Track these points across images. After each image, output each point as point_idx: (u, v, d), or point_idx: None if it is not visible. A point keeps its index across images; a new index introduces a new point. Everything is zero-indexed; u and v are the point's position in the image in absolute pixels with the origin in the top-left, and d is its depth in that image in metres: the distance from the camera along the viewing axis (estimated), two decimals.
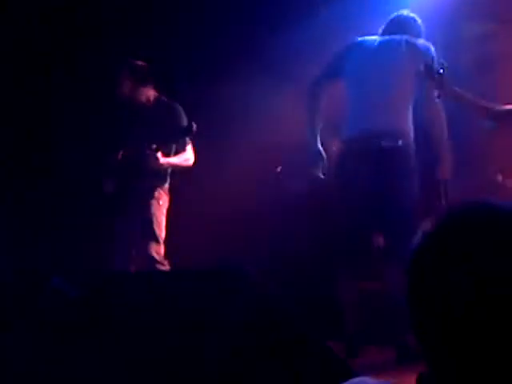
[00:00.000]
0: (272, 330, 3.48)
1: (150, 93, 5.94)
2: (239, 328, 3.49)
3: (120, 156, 5.81)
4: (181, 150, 5.82)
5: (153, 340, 3.77)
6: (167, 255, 5.80)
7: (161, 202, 5.82)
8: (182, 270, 4.43)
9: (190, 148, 5.86)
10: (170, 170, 5.87)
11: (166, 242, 5.81)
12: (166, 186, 5.88)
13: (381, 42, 5.19)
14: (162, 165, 5.67)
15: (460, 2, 5.89)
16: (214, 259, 5.63)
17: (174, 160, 5.79)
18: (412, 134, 4.99)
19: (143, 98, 5.91)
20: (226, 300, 3.66)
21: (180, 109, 5.79)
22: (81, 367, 3.72)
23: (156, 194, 5.79)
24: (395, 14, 5.32)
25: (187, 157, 5.86)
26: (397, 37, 5.13)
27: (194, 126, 5.38)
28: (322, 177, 5.22)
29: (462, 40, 6.01)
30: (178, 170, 5.91)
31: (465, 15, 5.97)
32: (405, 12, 5.32)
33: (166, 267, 5.69)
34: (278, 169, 6.59)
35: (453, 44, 5.74)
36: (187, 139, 5.72)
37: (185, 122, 5.66)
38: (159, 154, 5.57)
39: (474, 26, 6.06)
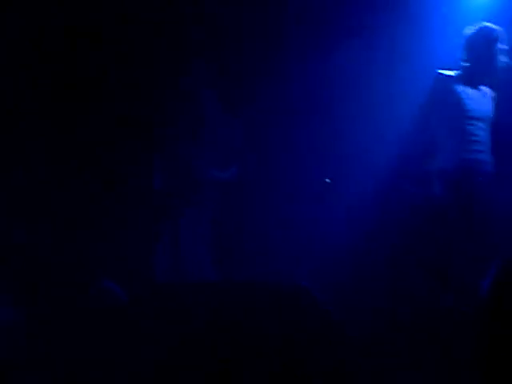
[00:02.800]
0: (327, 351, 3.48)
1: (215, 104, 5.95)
2: (296, 345, 3.49)
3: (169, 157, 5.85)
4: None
5: (202, 354, 3.76)
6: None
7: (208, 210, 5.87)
8: (240, 282, 4.47)
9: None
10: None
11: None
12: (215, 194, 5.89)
13: None
14: (214, 179, 5.79)
15: None
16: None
17: (224, 176, 5.88)
18: None
19: (207, 109, 5.94)
20: (284, 316, 3.65)
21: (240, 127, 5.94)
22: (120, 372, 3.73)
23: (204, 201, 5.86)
24: None
25: (233, 173, 5.95)
26: None
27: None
28: None
29: None
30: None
31: None
32: None
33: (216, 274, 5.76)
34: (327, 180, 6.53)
35: None
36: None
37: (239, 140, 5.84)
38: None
39: None
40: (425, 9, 6.19)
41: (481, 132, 5.38)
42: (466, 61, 5.45)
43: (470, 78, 5.43)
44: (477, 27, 5.43)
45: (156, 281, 5.68)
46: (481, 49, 5.38)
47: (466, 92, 5.41)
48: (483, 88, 5.49)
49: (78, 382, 3.88)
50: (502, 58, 5.33)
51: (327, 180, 6.53)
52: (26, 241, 5.83)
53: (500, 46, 5.34)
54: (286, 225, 6.39)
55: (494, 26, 5.38)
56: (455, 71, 5.45)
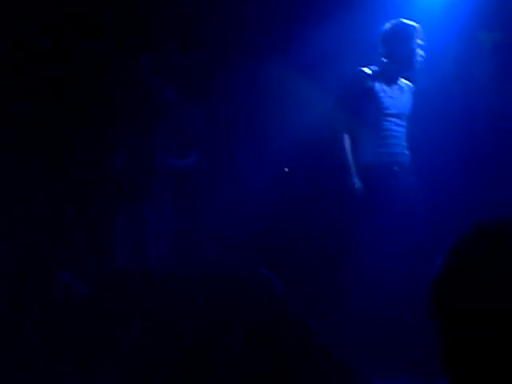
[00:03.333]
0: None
1: (170, 92, 5.96)
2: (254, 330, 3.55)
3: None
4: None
5: (166, 341, 3.79)
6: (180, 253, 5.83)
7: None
8: (202, 271, 4.49)
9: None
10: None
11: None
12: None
13: None
14: (170, 168, 5.83)
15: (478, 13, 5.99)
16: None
17: (181, 163, 5.92)
18: None
19: (164, 96, 5.93)
20: (244, 302, 3.70)
21: (200, 114, 5.95)
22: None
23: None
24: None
25: (194, 162, 5.96)
26: None
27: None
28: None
29: (482, 49, 6.12)
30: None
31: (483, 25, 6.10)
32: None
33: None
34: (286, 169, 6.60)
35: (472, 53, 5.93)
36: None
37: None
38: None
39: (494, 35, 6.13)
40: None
41: (396, 127, 5.44)
42: (383, 57, 5.47)
43: (388, 74, 5.47)
44: (393, 23, 5.45)
45: (116, 268, 5.63)
46: (397, 45, 5.38)
47: (382, 88, 5.43)
48: (401, 83, 5.55)
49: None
50: (419, 53, 5.37)
51: (285, 169, 6.57)
52: None
53: (416, 41, 5.36)
54: (241, 216, 6.33)
55: (409, 22, 5.41)
56: (373, 67, 5.48)
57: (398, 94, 5.49)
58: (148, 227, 5.81)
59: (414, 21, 5.42)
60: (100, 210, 5.99)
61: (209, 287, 3.84)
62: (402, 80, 5.57)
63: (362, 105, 5.41)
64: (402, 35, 5.37)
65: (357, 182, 5.35)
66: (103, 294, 4.20)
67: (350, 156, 5.38)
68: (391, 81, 5.49)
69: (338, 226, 5.69)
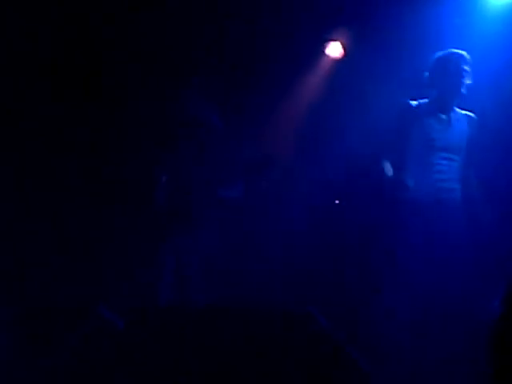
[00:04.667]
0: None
1: (215, 118, 5.83)
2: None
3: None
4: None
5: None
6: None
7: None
8: (244, 308, 4.33)
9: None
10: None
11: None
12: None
13: None
14: (219, 199, 5.68)
15: None
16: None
17: (231, 194, 5.75)
18: None
19: (209, 123, 5.79)
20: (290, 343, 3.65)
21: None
22: None
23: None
24: None
25: (238, 191, 5.76)
26: None
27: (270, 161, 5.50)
28: None
29: None
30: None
31: None
32: None
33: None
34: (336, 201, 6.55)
35: None
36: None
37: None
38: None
39: None
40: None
41: (444, 161, 5.33)
42: (430, 87, 5.40)
43: (435, 106, 5.38)
44: (441, 53, 5.37)
45: (159, 305, 5.52)
46: (445, 76, 5.29)
47: (429, 121, 5.34)
48: (455, 114, 5.42)
49: None
50: (466, 82, 5.30)
51: (336, 201, 6.49)
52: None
53: (464, 69, 5.27)
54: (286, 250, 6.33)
55: (457, 51, 5.33)
56: (422, 100, 5.39)
57: (447, 126, 5.35)
58: (192, 261, 5.73)
59: (463, 49, 5.35)
60: (143, 242, 5.84)
61: (253, 326, 3.81)
62: (458, 110, 5.42)
63: (408, 138, 5.32)
64: (450, 66, 5.27)
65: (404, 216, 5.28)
66: (139, 331, 4.15)
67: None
68: (440, 112, 5.36)
69: (377, 261, 5.64)
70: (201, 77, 5.97)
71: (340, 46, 6.60)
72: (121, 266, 5.92)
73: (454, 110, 5.41)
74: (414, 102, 5.39)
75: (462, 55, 5.30)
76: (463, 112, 5.43)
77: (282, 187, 6.55)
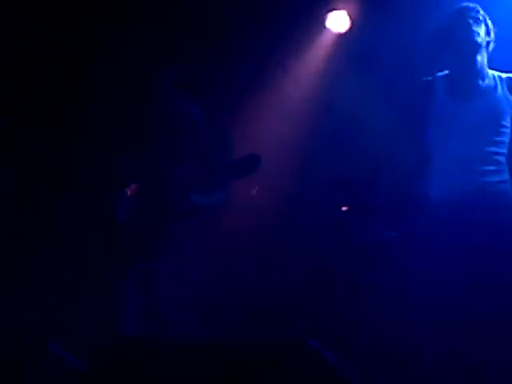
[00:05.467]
0: None
1: (195, 110, 4.98)
2: None
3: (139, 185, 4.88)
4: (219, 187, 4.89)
5: None
6: None
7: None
8: (234, 340, 3.72)
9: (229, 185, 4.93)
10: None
11: None
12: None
13: None
14: (194, 207, 4.76)
15: None
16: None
17: (209, 201, 4.84)
18: None
19: (187, 116, 4.95)
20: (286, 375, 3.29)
21: (231, 135, 4.96)
22: None
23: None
24: None
25: (224, 196, 4.90)
26: None
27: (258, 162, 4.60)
28: None
29: None
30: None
31: None
32: None
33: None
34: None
35: None
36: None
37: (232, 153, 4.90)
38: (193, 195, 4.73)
39: None
40: None
41: (471, 149, 4.25)
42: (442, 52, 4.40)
43: (457, 79, 4.35)
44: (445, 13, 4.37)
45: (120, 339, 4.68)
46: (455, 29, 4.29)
47: (451, 100, 4.32)
48: (484, 82, 4.33)
49: None
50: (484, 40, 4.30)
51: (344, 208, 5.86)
52: None
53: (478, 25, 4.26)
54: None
55: (468, 4, 4.33)
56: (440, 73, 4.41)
57: (476, 101, 4.29)
58: (164, 287, 4.82)
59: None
60: (104, 268, 5.17)
61: (243, 366, 3.35)
62: (490, 75, 4.35)
63: (426, 124, 4.32)
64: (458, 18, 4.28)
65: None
66: (101, 371, 3.61)
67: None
68: (462, 86, 4.32)
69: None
70: (180, 63, 5.22)
71: (345, 17, 5.77)
72: (72, 294, 5.49)
73: (483, 77, 4.32)
74: (429, 78, 4.38)
75: (471, 8, 4.29)
76: (497, 74, 4.35)
77: (279, 191, 5.99)
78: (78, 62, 5.96)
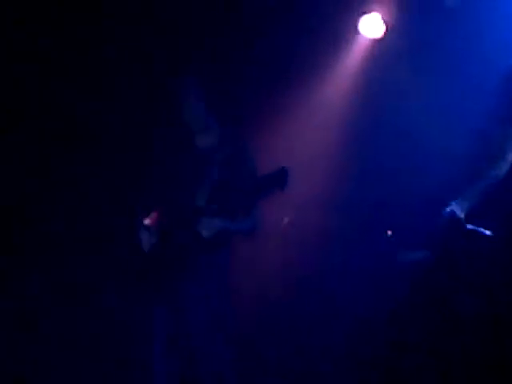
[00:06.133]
0: None
1: (214, 126, 4.56)
2: None
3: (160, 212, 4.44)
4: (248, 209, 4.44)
5: None
6: None
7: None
8: None
9: (259, 208, 4.46)
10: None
11: None
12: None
13: None
14: (220, 233, 4.30)
15: None
16: None
17: (238, 227, 4.40)
18: None
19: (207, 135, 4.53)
20: None
21: (252, 152, 4.54)
22: None
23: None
24: None
25: (255, 221, 4.47)
26: None
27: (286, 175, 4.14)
28: None
29: None
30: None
31: None
32: None
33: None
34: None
35: None
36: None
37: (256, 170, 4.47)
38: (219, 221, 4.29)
39: None
40: None
41: None
42: None
43: None
44: None
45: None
46: None
47: None
48: None
49: None
50: None
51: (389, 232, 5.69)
52: None
53: None
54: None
55: None
56: None
57: None
58: (191, 320, 4.38)
59: None
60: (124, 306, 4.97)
61: None
62: None
63: None
64: None
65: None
66: None
67: None
68: None
69: None
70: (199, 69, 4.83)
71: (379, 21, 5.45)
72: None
73: None
74: None
75: None
76: None
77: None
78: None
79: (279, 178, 4.12)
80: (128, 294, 4.80)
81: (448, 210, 4.08)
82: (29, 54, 5.51)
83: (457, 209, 4.03)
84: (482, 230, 4.07)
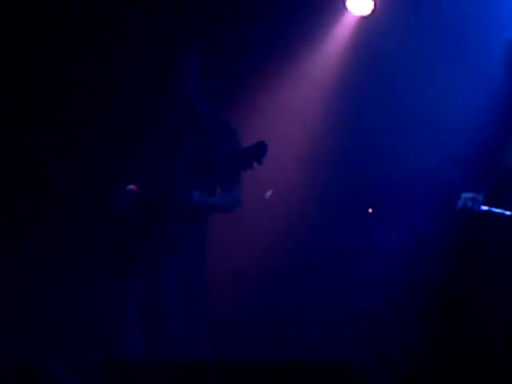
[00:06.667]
0: None
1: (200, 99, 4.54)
2: None
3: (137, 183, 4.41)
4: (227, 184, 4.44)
5: None
6: None
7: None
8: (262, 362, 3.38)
9: (239, 184, 4.47)
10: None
11: None
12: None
13: None
14: (198, 207, 4.30)
15: None
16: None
17: (217, 201, 4.40)
18: None
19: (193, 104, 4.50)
20: None
21: (235, 129, 4.54)
22: None
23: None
24: None
25: (234, 197, 4.47)
26: None
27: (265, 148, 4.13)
28: None
29: None
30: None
31: None
32: None
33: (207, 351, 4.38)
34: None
35: None
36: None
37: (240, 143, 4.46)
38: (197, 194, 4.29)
39: None
40: None
41: None
42: None
43: None
44: None
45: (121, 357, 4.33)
46: None
47: None
48: None
49: None
50: None
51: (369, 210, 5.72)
52: None
53: None
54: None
55: None
56: None
57: None
58: (166, 296, 4.41)
59: None
60: (96, 277, 4.79)
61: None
62: None
63: None
64: None
65: None
66: None
67: None
68: None
69: None
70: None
71: None
72: (64, 305, 5.25)
73: None
74: None
75: None
76: None
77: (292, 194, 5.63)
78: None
79: (257, 151, 4.11)
80: (103, 265, 4.61)
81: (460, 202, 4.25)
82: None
83: (471, 199, 4.15)
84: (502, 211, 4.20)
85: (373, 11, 5.48)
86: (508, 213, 4.31)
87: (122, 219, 4.34)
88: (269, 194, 5.73)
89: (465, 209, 4.36)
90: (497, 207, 4.50)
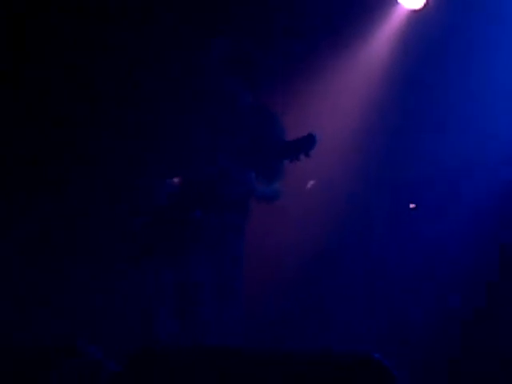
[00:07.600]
0: None
1: (242, 90, 4.52)
2: None
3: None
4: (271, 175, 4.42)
5: None
6: None
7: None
8: (290, 353, 3.35)
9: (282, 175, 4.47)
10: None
11: None
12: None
13: None
14: (240, 196, 4.34)
15: None
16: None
17: (260, 192, 4.37)
18: None
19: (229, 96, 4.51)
20: None
21: (278, 115, 4.55)
22: None
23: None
24: None
25: (276, 188, 4.47)
26: None
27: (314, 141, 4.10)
28: None
29: None
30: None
31: None
32: None
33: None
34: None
35: None
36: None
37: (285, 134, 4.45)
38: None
39: None
40: None
41: None
42: None
43: None
44: None
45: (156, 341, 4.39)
46: None
47: None
48: None
49: None
50: None
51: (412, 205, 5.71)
52: None
53: None
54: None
55: None
56: None
57: None
58: (201, 285, 4.44)
59: None
60: (133, 266, 4.71)
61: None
62: None
63: None
64: None
65: None
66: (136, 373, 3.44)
67: None
68: None
69: None
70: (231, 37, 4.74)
71: None
72: (98, 290, 5.36)
73: None
74: None
75: None
76: None
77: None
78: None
79: (306, 143, 4.08)
80: (137, 255, 4.64)
81: None
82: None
83: None
84: None
85: (425, 5, 5.40)
86: None
87: (160, 211, 4.36)
88: (311, 184, 5.69)
89: None
90: None
